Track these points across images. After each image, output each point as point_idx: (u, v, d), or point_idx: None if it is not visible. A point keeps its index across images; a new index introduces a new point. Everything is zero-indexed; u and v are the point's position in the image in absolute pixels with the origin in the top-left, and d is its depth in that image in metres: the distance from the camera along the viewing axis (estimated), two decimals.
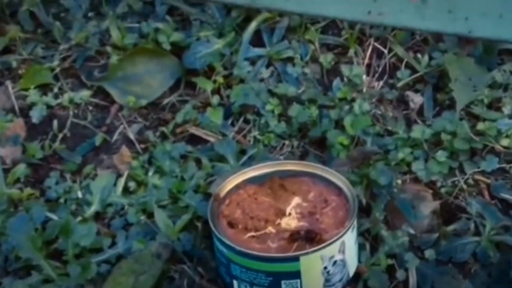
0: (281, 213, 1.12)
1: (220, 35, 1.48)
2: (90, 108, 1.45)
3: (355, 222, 1.09)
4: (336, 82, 1.42)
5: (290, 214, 1.12)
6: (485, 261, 1.14)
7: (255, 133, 1.35)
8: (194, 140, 1.35)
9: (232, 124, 1.38)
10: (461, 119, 1.32)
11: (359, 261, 1.13)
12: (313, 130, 1.33)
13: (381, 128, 1.33)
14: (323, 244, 1.04)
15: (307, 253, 1.04)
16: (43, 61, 1.50)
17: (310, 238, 1.07)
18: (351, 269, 1.11)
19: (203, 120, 1.36)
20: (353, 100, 1.37)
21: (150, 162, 1.31)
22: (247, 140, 1.35)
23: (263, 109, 1.37)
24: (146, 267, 1.12)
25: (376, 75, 1.44)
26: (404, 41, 1.48)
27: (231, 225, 1.11)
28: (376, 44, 1.47)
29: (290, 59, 1.45)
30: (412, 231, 1.17)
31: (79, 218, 1.21)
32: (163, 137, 1.37)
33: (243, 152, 1.31)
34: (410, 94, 1.41)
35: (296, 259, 1.04)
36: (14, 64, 1.51)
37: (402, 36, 1.48)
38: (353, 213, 1.09)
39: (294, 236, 1.07)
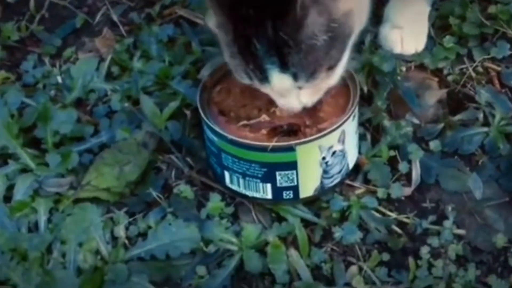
0: None
1: None
2: None
3: (356, 110, 1.02)
4: None
5: None
6: (494, 153, 1.09)
7: None
8: (182, 22, 1.27)
9: None
10: (471, 1, 1.24)
11: (360, 152, 1.08)
12: None
13: None
14: (322, 133, 0.98)
15: (304, 142, 0.97)
16: None
17: (292, 131, 1.00)
18: (351, 160, 1.05)
19: (193, 1, 1.30)
20: None
21: (135, 46, 1.25)
22: None
23: None
24: (131, 157, 1.07)
25: None
26: None
27: (222, 112, 1.04)
28: None
29: None
30: (416, 121, 1.12)
31: (59, 105, 1.15)
32: (149, 19, 1.29)
33: None
34: None
35: (292, 149, 0.97)
36: None
37: None
38: (354, 100, 1.02)
39: (276, 131, 1.00)
